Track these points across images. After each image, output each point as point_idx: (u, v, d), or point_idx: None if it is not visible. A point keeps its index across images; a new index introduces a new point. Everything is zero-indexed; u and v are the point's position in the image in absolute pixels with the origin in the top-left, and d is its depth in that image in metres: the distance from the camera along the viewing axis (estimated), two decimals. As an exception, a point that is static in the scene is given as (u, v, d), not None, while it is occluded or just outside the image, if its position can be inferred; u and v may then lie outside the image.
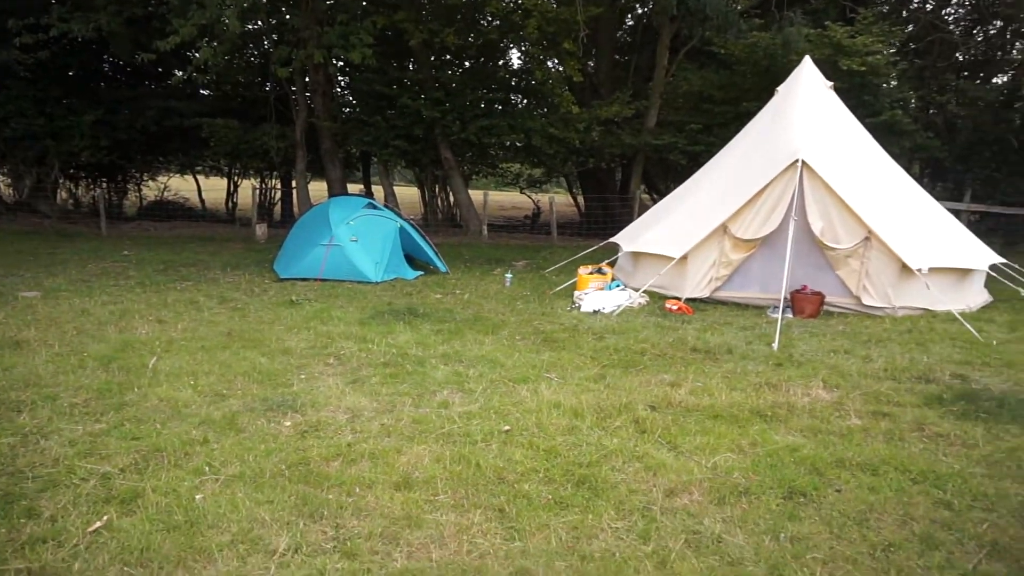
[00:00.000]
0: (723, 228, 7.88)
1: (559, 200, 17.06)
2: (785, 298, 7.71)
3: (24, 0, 12.92)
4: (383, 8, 13.42)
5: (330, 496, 3.13)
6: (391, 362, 5.29)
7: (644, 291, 8.05)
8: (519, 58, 17.37)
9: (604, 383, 4.90)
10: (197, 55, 12.09)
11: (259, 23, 14.88)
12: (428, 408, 4.30)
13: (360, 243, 9.05)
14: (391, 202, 14.03)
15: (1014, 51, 13.50)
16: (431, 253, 10.09)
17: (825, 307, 7.76)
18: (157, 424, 3.95)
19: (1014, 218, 15.18)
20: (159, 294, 7.85)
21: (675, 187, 10.49)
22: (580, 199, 20.15)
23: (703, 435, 3.92)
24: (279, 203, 19.15)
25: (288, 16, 14.30)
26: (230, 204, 19.72)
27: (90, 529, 2.84)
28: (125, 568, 2.60)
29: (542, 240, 15.46)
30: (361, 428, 3.95)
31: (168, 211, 17.75)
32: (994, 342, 6.44)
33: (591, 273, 8.54)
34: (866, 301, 7.61)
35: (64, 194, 18.22)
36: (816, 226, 7.60)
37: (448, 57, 16.46)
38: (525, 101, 16.49)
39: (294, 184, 16.53)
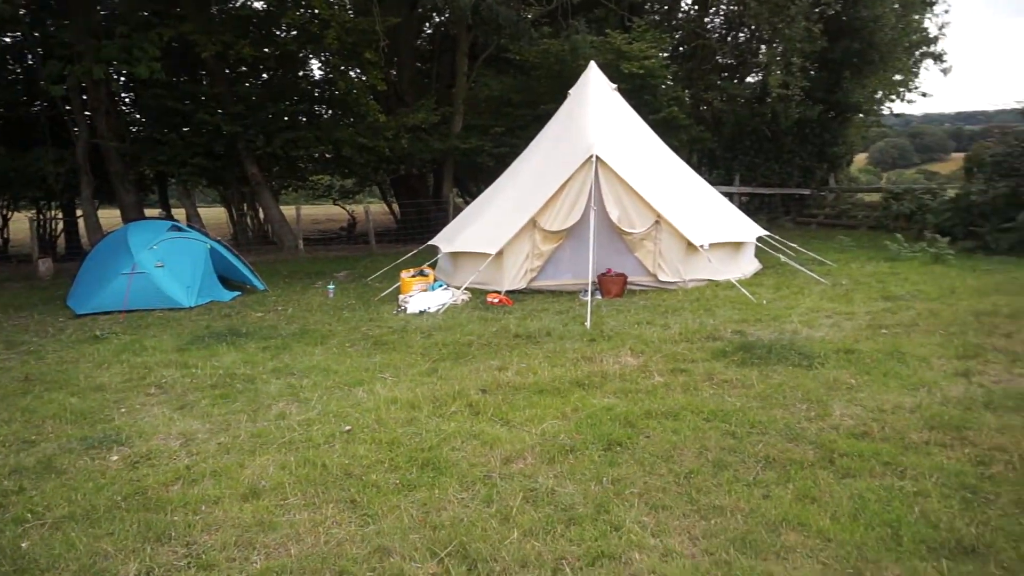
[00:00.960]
0: (532, 222, 8.44)
1: (374, 209, 17.10)
2: (593, 282, 8.44)
3: None
4: (169, 20, 12.68)
5: (176, 518, 3.10)
6: (219, 383, 5.17)
7: (466, 288, 8.41)
8: (320, 68, 17.17)
9: (437, 375, 5.16)
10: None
11: (19, 35, 13.43)
12: (266, 421, 4.30)
13: (167, 268, 8.57)
14: (196, 224, 13.29)
15: (760, 55, 15.61)
16: (247, 272, 9.77)
17: (629, 286, 8.58)
18: (-42, 480, 3.61)
19: (773, 197, 17.53)
20: (-71, 345, 6.95)
21: (485, 188, 11.01)
22: (395, 206, 20.27)
23: (531, 408, 4.31)
24: (62, 235, 17.32)
25: (54, 28, 13.02)
26: (1, 240, 17.52)
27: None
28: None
29: (361, 250, 15.42)
30: (197, 450, 3.89)
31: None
32: (764, 302, 7.52)
33: (413, 276, 8.76)
34: (662, 277, 8.52)
35: None
36: (613, 214, 8.38)
37: (244, 69, 15.89)
38: (331, 112, 16.33)
39: (79, 213, 15.06)
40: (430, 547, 2.75)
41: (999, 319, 6.34)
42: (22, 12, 11.59)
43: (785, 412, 4.14)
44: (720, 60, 15.89)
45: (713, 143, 16.05)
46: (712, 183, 14.22)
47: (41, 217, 16.74)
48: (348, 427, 4.10)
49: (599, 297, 8.27)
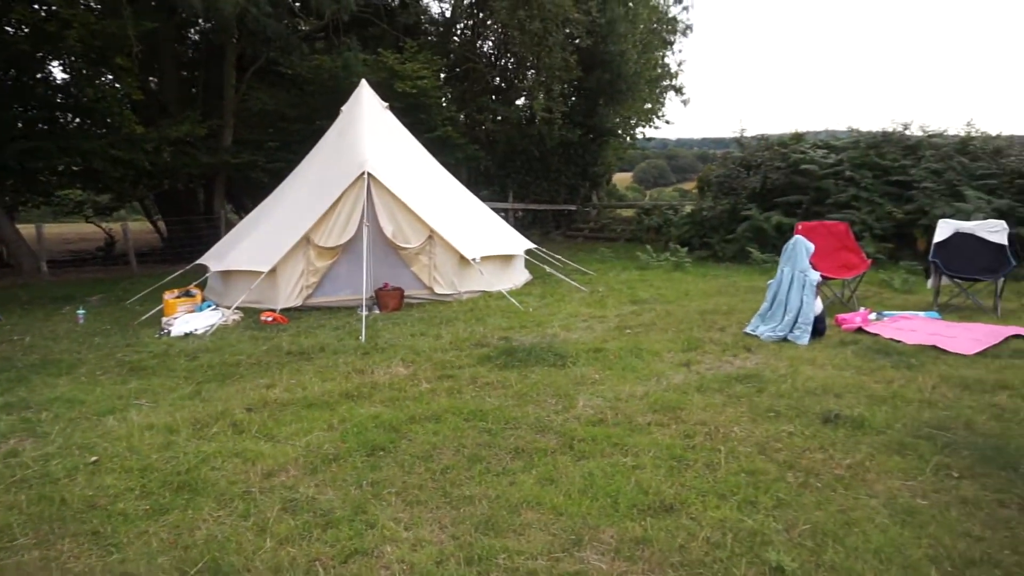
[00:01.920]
0: (306, 239, 8.37)
1: (136, 227, 15.68)
2: (371, 296, 8.56)
3: None
4: None
5: None
6: (-68, 424, 4.54)
7: (237, 308, 8.10)
8: (63, 72, 15.41)
9: (200, 398, 4.97)
10: None
11: None
12: (-8, 461, 3.88)
13: None
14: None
15: (525, 80, 16.80)
16: (-28, 299, 8.56)
17: (406, 300, 8.81)
18: None
19: (545, 212, 18.82)
20: None
21: (260, 204, 10.65)
22: (161, 223, 18.74)
23: (298, 423, 4.33)
24: None
25: None
26: None
27: None
28: None
29: (120, 271, 14.07)
30: (-100, 499, 3.42)
31: None
32: (530, 309, 8.13)
33: (178, 297, 8.26)
34: (437, 290, 8.85)
35: None
36: (388, 229, 8.57)
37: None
38: (77, 120, 14.72)
39: None
40: (179, 567, 2.71)
41: (717, 316, 7.45)
42: None
43: (537, 407, 4.58)
44: (491, 83, 16.78)
45: (487, 161, 16.90)
46: (487, 199, 15.01)
47: None
48: (95, 458, 3.83)
49: (377, 312, 8.39)
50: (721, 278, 10.50)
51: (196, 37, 18.24)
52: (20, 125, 12.74)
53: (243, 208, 18.37)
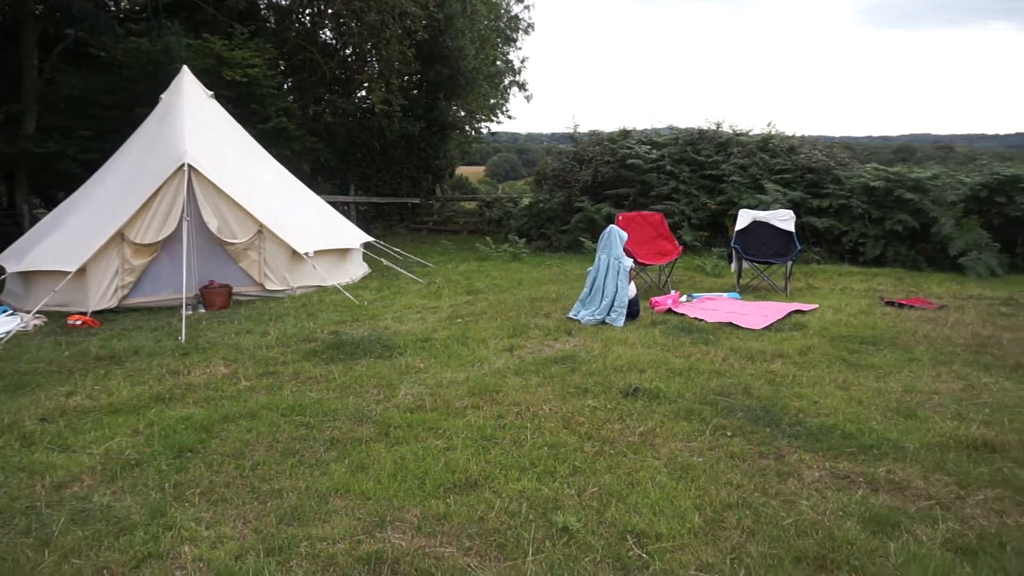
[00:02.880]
0: (120, 235, 7.83)
1: (-82, 225, 13.82)
2: (197, 295, 8.18)
3: None
4: None
5: None
6: None
7: (39, 312, 7.43)
8: None
9: (-16, 411, 4.55)
10: None
11: None
12: None
13: None
14: None
15: (366, 72, 16.56)
16: None
17: (235, 297, 8.48)
18: None
19: (389, 206, 18.70)
20: None
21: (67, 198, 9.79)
22: (-48, 221, 16.64)
23: (99, 430, 4.10)
24: None
25: None
26: None
27: None
28: None
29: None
30: None
31: None
32: (366, 303, 8.11)
33: (-33, 302, 7.45)
34: (268, 286, 8.60)
35: None
36: (212, 224, 8.20)
37: None
38: None
39: None
40: (-58, 590, 2.53)
41: (545, 303, 7.82)
42: None
43: (358, 398, 4.63)
44: (330, 74, 16.39)
45: (327, 154, 16.51)
46: (329, 193, 14.70)
47: None
48: None
49: (203, 311, 8.02)
50: (555, 267, 10.98)
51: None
52: None
53: (53, 203, 16.69)
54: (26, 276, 8.21)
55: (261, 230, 8.42)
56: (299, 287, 8.77)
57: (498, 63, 21.35)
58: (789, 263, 8.35)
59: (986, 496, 3.18)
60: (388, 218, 18.33)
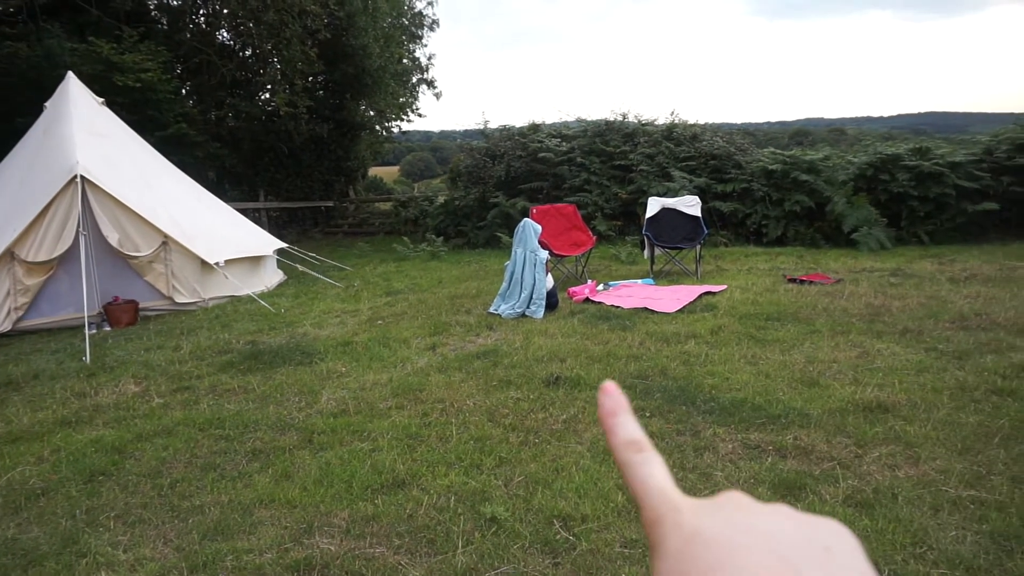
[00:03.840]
0: (11, 254, 7.38)
1: None
2: (100, 312, 7.80)
3: None
4: None
5: None
6: None
7: (-77, 341, 6.92)
8: None
9: None
10: None
11: None
12: None
13: None
14: None
15: (268, 73, 16.11)
16: None
17: (143, 312, 8.13)
18: None
19: (302, 210, 18.29)
20: None
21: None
22: None
23: (-1, 460, 3.88)
24: None
25: None
26: None
27: None
28: None
29: None
30: None
31: None
32: (282, 311, 7.93)
33: None
34: (178, 299, 8.28)
35: None
36: (112, 238, 7.83)
37: None
38: None
39: None
40: None
41: (466, 300, 7.86)
42: None
43: (279, 407, 4.54)
44: (230, 76, 15.84)
45: (232, 160, 15.98)
46: (238, 200, 14.24)
47: None
48: None
49: (108, 328, 7.66)
50: (474, 264, 11.03)
51: None
52: None
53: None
54: (-96, 303, 7.60)
55: (166, 241, 8.10)
56: (211, 298, 8.48)
57: (404, 61, 21.17)
58: (698, 247, 8.68)
59: (880, 453, 3.44)
60: (302, 223, 17.92)
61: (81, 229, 7.44)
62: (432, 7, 22.16)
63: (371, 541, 2.85)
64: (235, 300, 8.59)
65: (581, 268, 9.00)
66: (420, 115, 22.71)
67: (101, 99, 9.34)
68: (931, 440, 3.52)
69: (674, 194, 11.10)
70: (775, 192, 11.63)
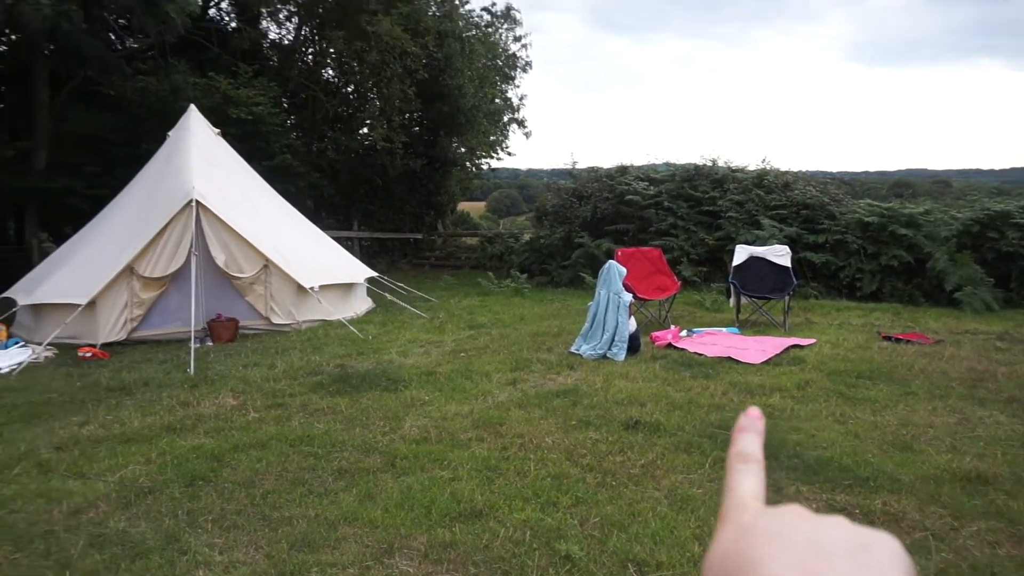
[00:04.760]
0: (130, 269, 7.98)
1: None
2: (204, 328, 8.30)
3: None
4: None
5: None
6: None
7: (50, 344, 7.55)
8: None
9: (1, 440, 4.65)
10: None
11: None
12: None
13: None
14: None
15: (368, 109, 16.94)
16: None
17: (242, 330, 8.60)
18: None
19: (392, 241, 18.92)
20: None
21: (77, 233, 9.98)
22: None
23: (112, 458, 4.19)
24: None
25: None
26: None
27: None
28: None
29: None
30: None
31: None
32: (370, 337, 8.22)
33: (-22, 335, 7.57)
34: (275, 320, 8.72)
35: None
36: (219, 259, 8.36)
37: None
38: None
39: None
40: (-32, 611, 2.61)
41: (548, 338, 7.93)
42: None
43: (364, 430, 4.72)
44: (333, 111, 16.75)
45: (330, 190, 16.78)
46: (333, 228, 14.90)
47: None
48: None
49: (210, 344, 8.14)
50: (556, 302, 11.11)
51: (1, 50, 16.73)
52: None
53: (62, 237, 16.90)
54: (37, 309, 8.34)
55: (267, 264, 8.58)
56: (304, 321, 8.89)
57: (497, 100, 21.77)
58: (787, 298, 8.48)
59: (979, 527, 3.27)
60: (391, 254, 18.53)
61: (193, 249, 7.98)
62: (526, 49, 22.69)
63: (448, 567, 2.94)
64: (326, 324, 8.96)
65: (665, 313, 8.94)
66: (510, 153, 23.24)
67: (217, 130, 10.06)
68: (1035, 517, 3.33)
69: (763, 242, 10.90)
70: (871, 245, 11.25)
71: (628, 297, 6.99)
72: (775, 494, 3.65)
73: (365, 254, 16.71)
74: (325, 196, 16.78)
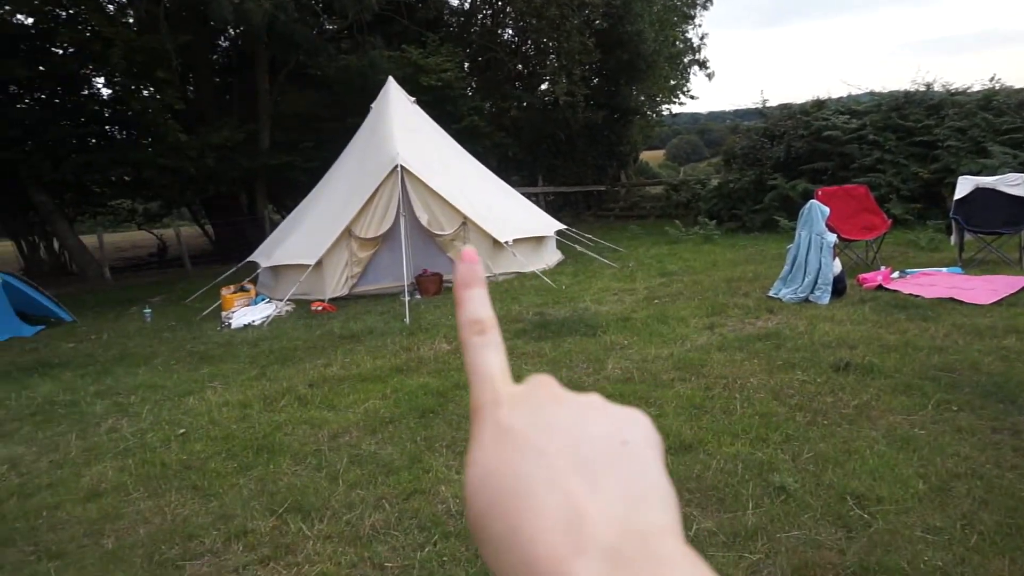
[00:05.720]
0: (348, 231, 8.89)
1: (187, 232, 16.48)
2: (412, 282, 9.06)
3: None
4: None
5: (17, 524, 3.29)
6: (39, 411, 5.16)
7: (289, 299, 8.67)
8: (107, 87, 16.23)
9: (265, 378, 5.51)
10: None
11: None
12: (96, 437, 4.46)
13: (-47, 308, 8.02)
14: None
15: (548, 65, 17.12)
16: (50, 304, 9.29)
17: (445, 284, 9.28)
18: None
19: (575, 194, 19.14)
20: None
21: (301, 202, 11.24)
22: (208, 227, 19.60)
23: (355, 394, 4.83)
24: None
25: None
26: None
27: None
28: None
29: (176, 274, 14.87)
30: (27, 469, 4.00)
31: None
32: (563, 287, 8.53)
33: (234, 293, 8.85)
34: (473, 274, 9.28)
35: None
36: (423, 218, 9.04)
37: (16, 90, 14.64)
38: (125, 132, 15.51)
39: None
40: (269, 507, 3.22)
41: (743, 283, 7.75)
42: None
43: (570, 371, 5.00)
44: (514, 70, 17.14)
45: (515, 148, 17.29)
46: (518, 185, 15.40)
47: None
48: (183, 430, 4.38)
49: (418, 296, 8.89)
50: (749, 247, 10.74)
51: (227, 45, 18.93)
52: (74, 141, 13.51)
53: (284, 208, 19.04)
54: (275, 270, 9.57)
55: (465, 222, 9.14)
56: (501, 273, 9.39)
57: (677, 43, 20.99)
58: (1022, 233, 7.56)
59: None
60: (575, 207, 18.80)
61: (400, 211, 8.71)
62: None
63: (663, 492, 3.11)
64: (521, 276, 9.40)
65: (873, 254, 8.34)
66: (692, 97, 22.41)
67: (413, 98, 10.75)
68: None
69: (991, 172, 9.70)
70: None
71: (832, 238, 6.63)
72: (1013, 437, 3.42)
73: (550, 208, 17.08)
74: (510, 155, 17.34)
